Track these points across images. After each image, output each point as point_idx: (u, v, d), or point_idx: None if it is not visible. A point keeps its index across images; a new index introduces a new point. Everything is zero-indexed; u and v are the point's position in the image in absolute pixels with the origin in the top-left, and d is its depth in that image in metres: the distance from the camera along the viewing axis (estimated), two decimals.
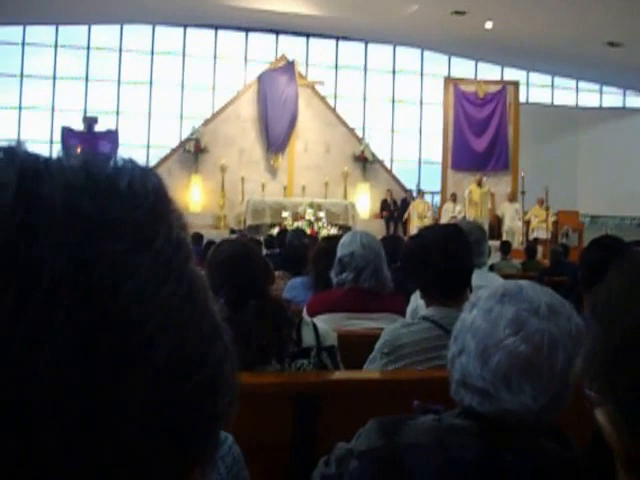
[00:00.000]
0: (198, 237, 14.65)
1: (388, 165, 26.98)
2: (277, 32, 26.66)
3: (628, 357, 1.10)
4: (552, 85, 30.22)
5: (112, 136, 23.78)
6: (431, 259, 3.54)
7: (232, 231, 21.13)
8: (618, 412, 1.12)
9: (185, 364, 0.59)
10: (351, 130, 26.00)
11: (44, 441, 0.53)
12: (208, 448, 0.64)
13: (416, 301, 4.54)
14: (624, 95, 31.01)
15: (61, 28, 25.76)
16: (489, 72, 28.31)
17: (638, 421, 1.10)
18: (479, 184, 24.30)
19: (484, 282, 4.57)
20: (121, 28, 26.15)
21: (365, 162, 25.53)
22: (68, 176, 0.59)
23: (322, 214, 21.89)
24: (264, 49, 26.77)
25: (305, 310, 4.55)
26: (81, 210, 0.57)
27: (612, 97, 30.97)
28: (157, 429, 0.57)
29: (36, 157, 0.61)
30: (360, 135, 26.24)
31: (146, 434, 0.56)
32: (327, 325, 3.88)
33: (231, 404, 0.66)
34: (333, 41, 27.58)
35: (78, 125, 23.80)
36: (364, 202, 25.18)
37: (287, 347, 3.41)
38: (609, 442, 1.20)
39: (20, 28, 25.47)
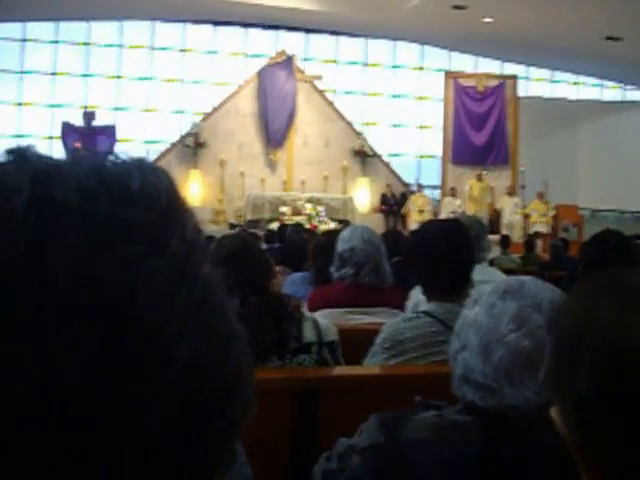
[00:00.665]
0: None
1: (387, 160, 26.96)
2: (276, 27, 26.63)
3: (571, 363, 1.23)
4: (552, 79, 30.23)
5: (110, 131, 23.77)
6: (432, 254, 3.54)
7: (231, 226, 21.16)
8: (567, 413, 1.21)
9: (202, 368, 0.58)
10: (350, 125, 25.96)
11: (64, 455, 0.53)
12: (227, 452, 0.64)
13: (417, 296, 4.54)
14: (624, 89, 31.02)
15: (61, 24, 25.75)
16: (489, 66, 28.28)
17: (585, 423, 1.17)
18: (479, 178, 24.33)
19: (484, 277, 4.58)
20: (121, 24, 26.15)
21: (364, 157, 25.49)
22: (81, 179, 0.58)
23: (321, 209, 21.91)
24: (263, 44, 26.74)
25: (305, 305, 4.55)
26: (95, 214, 0.56)
27: (611, 91, 30.98)
28: (177, 434, 0.57)
29: (48, 160, 0.60)
30: (359, 130, 26.20)
31: (165, 440, 0.56)
32: (328, 320, 3.88)
33: (249, 407, 0.65)
34: (333, 36, 27.55)
35: (78, 120, 23.78)
36: (363, 196, 25.15)
37: (288, 343, 3.41)
38: (565, 440, 1.27)
39: (20, 24, 25.46)
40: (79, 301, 0.53)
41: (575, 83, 30.45)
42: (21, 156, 0.59)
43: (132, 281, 0.55)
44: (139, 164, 0.62)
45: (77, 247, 0.54)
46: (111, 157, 0.62)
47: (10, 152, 0.60)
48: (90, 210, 0.56)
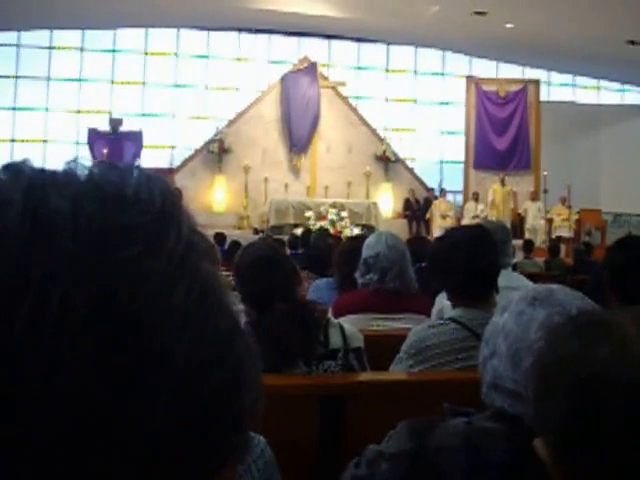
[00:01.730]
0: (221, 237, 14.66)
1: (410, 165, 26.93)
2: (299, 34, 26.75)
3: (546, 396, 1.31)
4: (573, 84, 30.10)
5: (136, 137, 23.89)
6: (458, 260, 3.54)
7: (255, 231, 21.20)
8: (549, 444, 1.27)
9: (203, 364, 0.59)
10: (373, 130, 25.96)
11: (65, 454, 0.54)
12: (236, 446, 0.65)
13: (442, 302, 4.54)
14: None
15: (87, 32, 25.97)
16: (510, 72, 28.20)
17: (562, 452, 1.23)
18: (502, 183, 24.25)
19: (508, 282, 4.57)
20: (146, 32, 26.34)
21: (387, 162, 25.49)
22: (75, 188, 0.59)
23: (345, 214, 21.91)
24: (287, 51, 26.87)
25: (330, 311, 4.56)
26: (89, 219, 0.57)
27: (633, 95, 30.81)
28: (180, 430, 0.57)
29: (42, 172, 0.61)
30: (382, 135, 26.19)
31: (170, 436, 0.57)
32: (353, 326, 3.88)
33: (256, 402, 0.66)
34: (355, 43, 27.62)
35: (104, 126, 23.92)
36: (386, 202, 25.13)
37: (314, 349, 3.42)
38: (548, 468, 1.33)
39: (47, 32, 25.69)
40: (76, 306, 0.53)
41: (597, 87, 30.30)
42: (15, 170, 0.60)
43: (128, 283, 0.55)
44: (134, 170, 0.63)
45: (72, 253, 0.55)
46: (107, 165, 0.63)
47: (5, 167, 0.61)
48: (83, 216, 0.57)
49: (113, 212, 0.58)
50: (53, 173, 0.61)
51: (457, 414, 2.01)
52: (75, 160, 0.63)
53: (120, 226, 0.58)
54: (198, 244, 0.63)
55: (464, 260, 3.51)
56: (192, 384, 0.58)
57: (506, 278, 4.60)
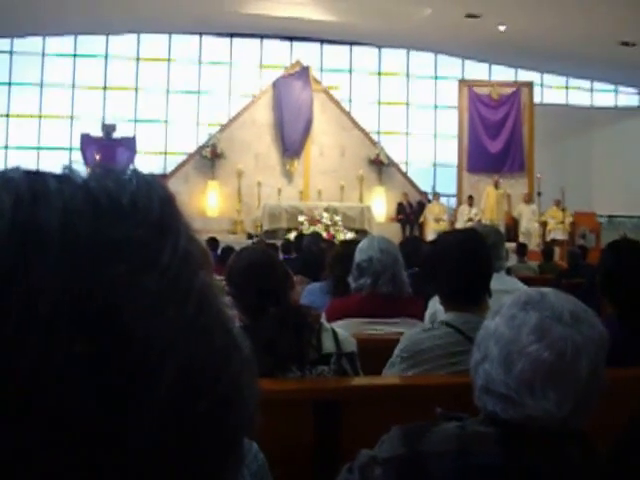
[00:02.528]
0: (214, 242, 14.66)
1: (403, 168, 26.97)
2: (291, 38, 26.83)
3: None
4: (566, 86, 30.17)
5: (130, 143, 23.97)
6: (450, 264, 3.55)
7: (249, 236, 21.20)
8: None
9: (198, 381, 0.58)
10: (366, 134, 26.00)
11: (49, 467, 0.53)
12: (231, 460, 0.64)
13: (435, 306, 4.54)
14: (638, 94, 30.92)
15: (79, 38, 26.04)
16: (503, 74, 28.34)
17: None
18: (496, 186, 24.28)
19: (502, 286, 4.58)
20: (138, 37, 26.43)
21: (380, 165, 25.51)
22: (66, 198, 0.57)
23: (338, 218, 21.92)
24: (279, 55, 26.93)
25: (324, 315, 4.56)
26: (79, 234, 0.55)
27: (627, 97, 30.90)
28: (170, 448, 0.56)
29: (33, 180, 0.59)
30: (375, 139, 26.24)
31: (163, 452, 0.56)
32: (346, 330, 3.88)
33: (253, 414, 0.65)
34: (347, 46, 27.70)
35: (97, 132, 23.94)
36: (380, 205, 25.16)
37: (307, 354, 3.42)
38: None
39: (40, 39, 25.77)
40: (61, 321, 0.52)
41: (590, 89, 30.37)
42: (5, 179, 0.58)
43: (119, 300, 0.54)
44: (133, 176, 0.61)
45: (58, 268, 0.53)
46: (103, 170, 0.61)
47: None
48: (72, 230, 0.55)
49: (105, 225, 0.57)
50: (45, 182, 0.59)
51: (449, 418, 2.01)
52: (70, 166, 0.62)
53: (111, 240, 0.56)
54: (194, 256, 0.61)
55: (456, 264, 3.52)
56: (183, 402, 0.57)
57: (499, 282, 4.60)
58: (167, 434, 0.56)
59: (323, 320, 3.80)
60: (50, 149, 25.50)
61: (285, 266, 3.82)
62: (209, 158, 24.20)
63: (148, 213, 0.59)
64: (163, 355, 0.55)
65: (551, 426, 1.86)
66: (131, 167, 0.63)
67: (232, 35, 26.66)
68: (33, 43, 25.75)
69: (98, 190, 0.58)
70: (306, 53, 26.67)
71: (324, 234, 18.50)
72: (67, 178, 0.60)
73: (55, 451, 0.53)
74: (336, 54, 27.81)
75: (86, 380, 0.53)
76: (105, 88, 26.50)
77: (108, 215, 0.57)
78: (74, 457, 0.53)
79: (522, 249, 15.98)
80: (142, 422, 0.55)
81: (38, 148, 25.63)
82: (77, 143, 24.08)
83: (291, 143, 24.65)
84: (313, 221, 21.66)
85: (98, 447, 0.54)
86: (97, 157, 22.06)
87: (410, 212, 25.05)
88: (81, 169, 0.62)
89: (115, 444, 0.54)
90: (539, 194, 23.24)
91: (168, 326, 0.56)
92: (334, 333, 3.59)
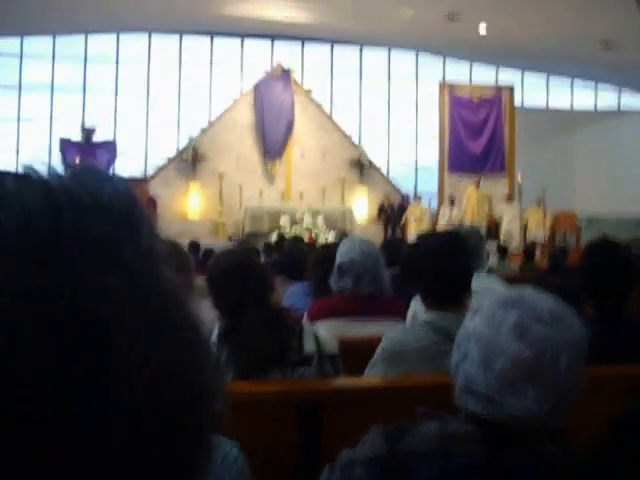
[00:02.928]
0: (195, 245, 14.66)
1: (384, 169, 27.05)
2: (272, 38, 26.78)
3: None
4: (547, 85, 30.28)
5: (110, 146, 23.94)
6: (431, 267, 3.56)
7: (230, 238, 21.17)
8: None
9: (160, 379, 0.58)
10: (347, 136, 26.06)
11: (19, 462, 0.53)
12: (199, 456, 0.64)
13: (416, 306, 4.56)
14: (619, 94, 31.07)
15: (58, 39, 25.85)
16: (484, 74, 28.43)
17: None
18: (477, 186, 24.36)
19: (483, 286, 4.60)
20: (117, 37, 26.27)
21: (361, 167, 25.58)
22: (25, 199, 0.57)
23: (320, 220, 21.93)
24: (260, 56, 26.87)
25: (306, 316, 4.57)
26: (36, 235, 0.55)
27: (607, 96, 31.03)
28: (140, 441, 0.57)
29: None
30: (356, 140, 26.28)
31: (130, 448, 0.56)
32: (328, 331, 3.89)
33: (220, 412, 0.66)
34: (328, 47, 27.71)
35: (77, 136, 23.87)
36: (361, 207, 25.23)
37: (289, 355, 3.42)
38: None
39: (18, 39, 25.59)
40: (23, 321, 0.53)
41: (571, 89, 30.49)
42: None
43: (79, 299, 0.54)
44: (95, 175, 0.62)
45: (16, 271, 0.54)
46: (66, 170, 0.62)
47: None
48: (29, 232, 0.55)
49: (64, 224, 0.57)
50: (3, 183, 0.59)
51: (430, 418, 2.01)
52: (31, 166, 0.62)
53: (73, 240, 0.56)
54: (158, 254, 0.62)
55: (437, 266, 3.53)
56: (150, 396, 0.57)
57: (480, 282, 4.62)
58: (132, 429, 0.57)
59: (304, 322, 3.81)
60: (30, 153, 25.34)
61: (265, 268, 3.83)
62: (190, 161, 24.16)
63: (110, 212, 0.59)
64: (128, 351, 0.56)
65: (531, 425, 1.87)
66: (96, 167, 0.63)
67: (212, 35, 26.59)
68: (10, 44, 25.55)
69: (59, 190, 0.59)
70: (287, 53, 26.68)
71: (306, 236, 18.52)
72: (27, 178, 0.60)
73: (21, 451, 0.53)
74: (317, 55, 27.81)
75: (52, 378, 0.53)
76: (84, 90, 26.36)
77: (67, 214, 0.57)
78: (42, 457, 0.53)
79: (502, 249, 16.05)
80: (109, 418, 0.55)
81: (17, 152, 25.51)
82: (56, 147, 23.96)
83: (272, 145, 24.67)
84: (295, 223, 21.67)
85: (65, 446, 0.54)
86: (77, 161, 21.99)
87: (392, 213, 25.09)
88: (43, 170, 0.62)
89: (83, 443, 0.55)
90: (520, 195, 23.32)
91: (131, 323, 0.56)
92: (315, 335, 3.59)
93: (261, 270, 3.67)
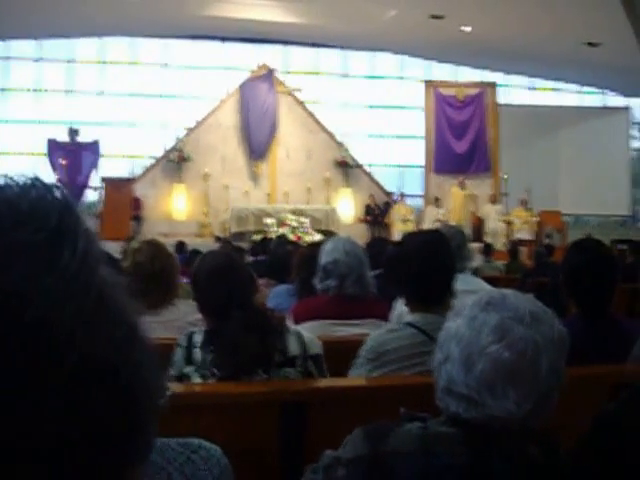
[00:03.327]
0: (181, 245, 14.69)
1: (369, 170, 27.09)
2: (256, 41, 26.79)
3: None
4: (531, 86, 30.38)
5: (95, 147, 23.88)
6: (413, 266, 3.57)
7: (217, 238, 21.18)
8: None
9: (97, 368, 0.61)
10: (332, 136, 26.10)
11: None
12: (139, 447, 0.67)
13: (401, 307, 4.56)
14: (603, 94, 31.20)
15: (44, 42, 25.89)
16: (468, 75, 28.50)
17: None
18: (461, 186, 24.45)
19: (467, 286, 4.61)
20: (102, 41, 26.29)
21: (346, 167, 25.63)
22: None
23: (305, 220, 21.94)
24: (244, 58, 26.85)
25: (290, 316, 4.58)
26: None
27: (591, 97, 31.15)
28: (77, 429, 0.59)
29: None
30: (341, 141, 26.31)
31: (66, 435, 0.59)
32: (312, 332, 3.89)
33: (157, 404, 0.69)
34: (312, 48, 27.73)
35: (63, 137, 23.84)
36: (347, 207, 25.29)
37: (273, 356, 3.42)
38: None
39: (2, 43, 25.59)
40: None
41: (555, 89, 30.59)
42: None
43: (22, 299, 0.57)
44: (32, 185, 0.64)
45: None
46: (5, 179, 0.64)
47: None
48: None
49: (5, 231, 0.60)
50: None
51: (413, 419, 2.02)
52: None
53: (13, 245, 0.59)
54: (94, 256, 0.65)
55: (419, 266, 3.55)
56: (84, 387, 0.60)
57: (465, 282, 4.64)
58: (70, 419, 0.59)
59: (288, 322, 3.81)
60: (15, 154, 25.40)
61: (249, 269, 3.83)
62: (176, 162, 24.17)
63: (47, 219, 0.62)
64: (65, 343, 0.59)
65: (512, 425, 1.88)
66: (34, 175, 0.66)
67: (196, 38, 26.60)
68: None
69: None
70: (271, 55, 26.66)
71: (292, 236, 18.53)
72: None
73: None
74: (301, 56, 27.86)
75: None
76: (70, 92, 26.35)
77: (8, 221, 0.60)
78: None
79: (488, 249, 16.12)
80: (45, 408, 0.58)
81: (2, 154, 25.46)
82: (42, 148, 23.90)
83: (257, 146, 24.69)
84: (281, 223, 21.68)
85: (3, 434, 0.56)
86: (63, 162, 21.97)
87: (377, 213, 25.15)
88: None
89: (19, 431, 0.57)
90: (505, 194, 23.41)
91: (70, 319, 0.60)
92: (299, 335, 3.60)
93: (244, 271, 3.68)
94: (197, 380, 3.44)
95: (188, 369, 3.47)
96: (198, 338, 3.51)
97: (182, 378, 3.47)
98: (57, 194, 0.65)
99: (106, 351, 0.62)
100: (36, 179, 0.65)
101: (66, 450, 0.59)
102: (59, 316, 0.59)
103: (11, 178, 0.65)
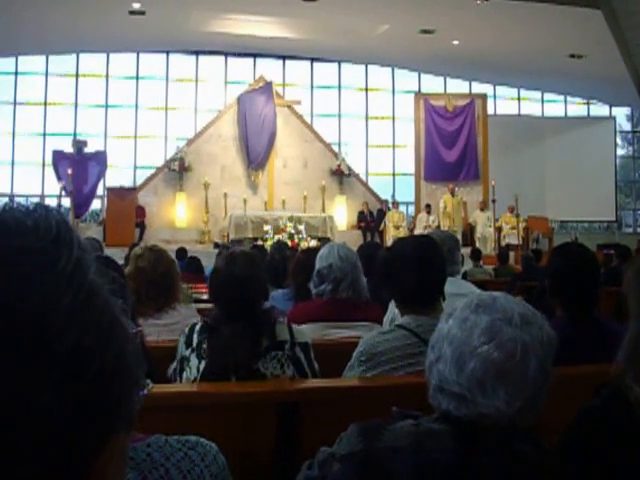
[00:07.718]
0: (182, 252, 14.83)
1: (364, 178, 27.28)
2: (255, 55, 27.11)
3: None
4: (518, 97, 30.56)
5: (100, 157, 23.97)
6: (405, 270, 3.61)
7: (216, 245, 21.20)
8: None
9: (87, 351, 0.74)
10: (327, 146, 26.32)
11: None
12: (122, 416, 0.80)
13: (393, 310, 4.60)
14: (587, 105, 31.36)
15: (51, 57, 26.15)
16: (458, 87, 28.75)
17: None
18: (452, 193, 24.58)
19: (457, 289, 4.64)
20: (107, 56, 26.57)
21: (342, 176, 25.83)
22: None
23: (302, 227, 21.96)
24: (243, 71, 27.17)
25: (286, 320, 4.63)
26: None
27: (576, 107, 31.30)
28: (66, 408, 0.72)
29: None
30: (336, 150, 26.48)
31: (59, 406, 0.71)
32: (308, 334, 3.95)
33: (135, 384, 0.83)
34: (308, 62, 28.04)
35: (69, 148, 23.92)
36: (342, 214, 25.48)
37: (261, 352, 3.52)
38: None
39: (13, 59, 25.89)
40: None
41: (541, 100, 30.72)
42: None
43: (25, 292, 0.71)
44: (36, 208, 0.80)
45: None
46: (14, 204, 0.80)
47: None
48: None
49: (13, 239, 0.74)
50: None
51: (405, 417, 2.06)
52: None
53: (18, 249, 0.74)
54: (85, 261, 0.79)
55: (411, 270, 3.59)
56: (77, 366, 0.73)
57: (455, 285, 4.67)
58: (63, 394, 0.72)
59: (279, 316, 3.87)
60: (23, 165, 25.83)
61: (264, 279, 3.89)
62: (177, 171, 24.44)
63: (48, 231, 0.77)
64: (60, 329, 0.72)
65: (501, 423, 1.91)
66: (37, 202, 0.83)
67: (197, 53, 26.93)
68: (5, 62, 25.82)
69: (8, 216, 0.77)
70: (269, 69, 26.91)
71: (289, 242, 18.55)
72: None
73: None
74: (298, 70, 28.10)
75: None
76: (76, 105, 26.61)
77: (16, 232, 0.75)
78: None
79: (477, 254, 16.18)
80: (43, 383, 0.70)
81: (12, 164, 25.69)
82: (49, 159, 24.01)
83: (255, 156, 24.89)
84: (278, 230, 21.71)
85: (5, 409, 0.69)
86: (69, 172, 22.02)
87: (371, 220, 25.31)
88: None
89: (20, 408, 0.69)
90: (494, 201, 23.45)
91: (64, 309, 0.73)
92: (288, 325, 3.70)
93: (259, 282, 3.75)
94: (194, 361, 3.56)
95: (187, 352, 3.61)
96: (199, 326, 3.66)
97: (183, 361, 3.62)
98: (56, 214, 0.80)
99: (96, 337, 0.76)
100: (39, 204, 0.81)
101: (59, 420, 0.71)
102: (56, 306, 0.72)
103: (19, 203, 0.80)
